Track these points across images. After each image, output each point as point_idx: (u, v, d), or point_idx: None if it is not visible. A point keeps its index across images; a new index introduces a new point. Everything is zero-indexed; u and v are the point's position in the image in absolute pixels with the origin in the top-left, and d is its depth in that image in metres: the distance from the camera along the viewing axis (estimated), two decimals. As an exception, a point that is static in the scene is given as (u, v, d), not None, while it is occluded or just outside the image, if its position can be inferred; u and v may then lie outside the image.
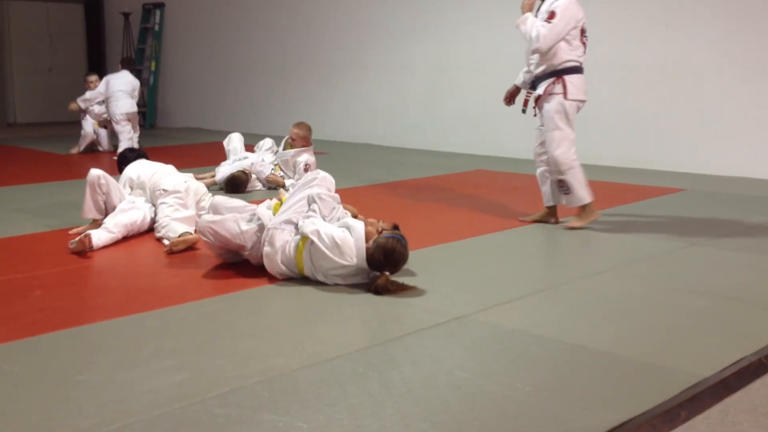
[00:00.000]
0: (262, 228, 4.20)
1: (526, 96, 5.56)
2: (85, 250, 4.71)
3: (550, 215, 5.71)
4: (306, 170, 6.85)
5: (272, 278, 4.16)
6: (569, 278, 4.30)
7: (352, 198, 5.62)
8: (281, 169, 7.20)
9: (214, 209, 4.55)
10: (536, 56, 5.38)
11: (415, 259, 4.16)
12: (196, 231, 4.90)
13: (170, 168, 5.60)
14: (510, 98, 5.78)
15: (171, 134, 12.44)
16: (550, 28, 5.16)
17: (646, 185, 7.37)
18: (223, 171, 7.21)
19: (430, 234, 5.17)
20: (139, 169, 5.52)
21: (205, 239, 4.30)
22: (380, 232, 4.01)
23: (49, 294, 3.96)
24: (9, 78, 13.81)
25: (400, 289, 3.91)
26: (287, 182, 6.94)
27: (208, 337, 3.35)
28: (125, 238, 5.07)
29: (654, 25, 8.24)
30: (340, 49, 11.20)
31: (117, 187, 5.23)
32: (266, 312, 3.79)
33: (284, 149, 7.24)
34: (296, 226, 4.16)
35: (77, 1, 14.43)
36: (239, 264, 4.40)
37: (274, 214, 4.29)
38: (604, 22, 8.63)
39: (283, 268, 4.10)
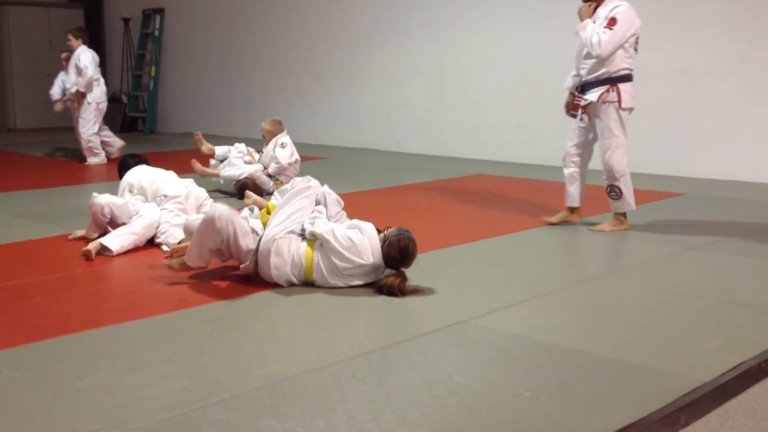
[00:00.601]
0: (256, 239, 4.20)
1: (576, 100, 5.59)
2: (89, 259, 4.74)
3: (573, 215, 5.80)
4: (283, 147, 7.04)
5: (273, 285, 4.16)
6: (568, 283, 4.31)
7: (351, 203, 5.62)
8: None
9: None
10: (590, 61, 5.40)
11: (414, 263, 4.17)
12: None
13: (170, 174, 5.61)
14: (570, 108, 5.75)
15: (171, 139, 12.45)
16: (612, 34, 5.21)
17: (645, 189, 7.37)
18: (231, 172, 7.16)
19: (429, 238, 5.17)
20: (139, 174, 5.53)
21: (218, 224, 4.05)
22: (384, 230, 4.14)
23: (50, 300, 3.96)
24: (9, 83, 13.82)
25: (412, 291, 4.00)
26: (272, 165, 7.07)
27: (209, 343, 3.35)
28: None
29: (653, 30, 8.24)
30: (339, 54, 11.22)
31: (123, 208, 5.17)
32: (267, 317, 3.80)
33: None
34: (300, 234, 4.17)
35: (77, 7, 14.44)
36: (240, 270, 4.39)
37: (263, 222, 4.29)
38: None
39: (292, 277, 4.12)
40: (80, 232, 5.22)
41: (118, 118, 14.00)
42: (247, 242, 4.14)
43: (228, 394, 2.79)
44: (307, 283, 4.15)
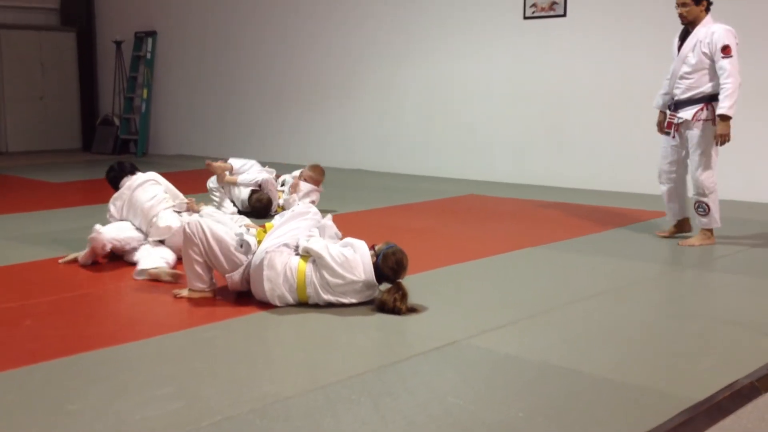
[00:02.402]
0: (245, 249, 4.22)
1: (669, 119, 5.78)
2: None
3: (681, 229, 5.95)
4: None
5: (265, 305, 4.15)
6: (562, 303, 4.31)
7: (344, 223, 5.61)
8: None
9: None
10: (686, 81, 5.63)
11: (407, 284, 4.17)
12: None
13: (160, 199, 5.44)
14: (663, 127, 5.94)
15: (163, 161, 12.44)
16: (732, 61, 5.46)
17: (638, 209, 7.40)
18: (247, 177, 7.18)
19: (422, 259, 5.17)
20: (136, 198, 5.36)
21: (188, 230, 4.15)
22: (372, 248, 4.19)
23: (42, 323, 3.94)
24: (0, 106, 13.81)
25: (411, 310, 4.05)
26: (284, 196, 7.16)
27: (201, 365, 3.34)
28: (117, 266, 5.06)
29: (647, 52, 8.31)
30: (332, 75, 11.26)
31: (127, 239, 5.16)
32: (260, 339, 3.79)
33: (289, 187, 7.28)
34: (295, 248, 4.21)
35: (69, 30, 14.48)
36: (232, 291, 4.38)
37: (258, 241, 4.30)
38: (599, 49, 8.72)
39: (284, 291, 4.11)
40: (72, 256, 5.18)
41: (110, 140, 14.02)
42: (223, 248, 4.16)
43: (221, 417, 2.77)
44: (301, 304, 4.14)
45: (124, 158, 9.69)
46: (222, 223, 4.45)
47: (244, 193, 7.18)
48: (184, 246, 4.24)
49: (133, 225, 5.29)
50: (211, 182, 7.33)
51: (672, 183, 5.89)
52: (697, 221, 5.80)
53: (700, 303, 4.42)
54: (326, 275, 4.06)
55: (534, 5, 9.09)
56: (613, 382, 3.14)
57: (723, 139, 5.52)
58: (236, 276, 4.20)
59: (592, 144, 8.82)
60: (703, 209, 5.70)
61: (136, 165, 5.78)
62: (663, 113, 5.93)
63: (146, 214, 5.23)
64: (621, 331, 3.85)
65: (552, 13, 8.97)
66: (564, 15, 8.89)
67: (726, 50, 5.45)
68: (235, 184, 7.21)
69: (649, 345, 3.65)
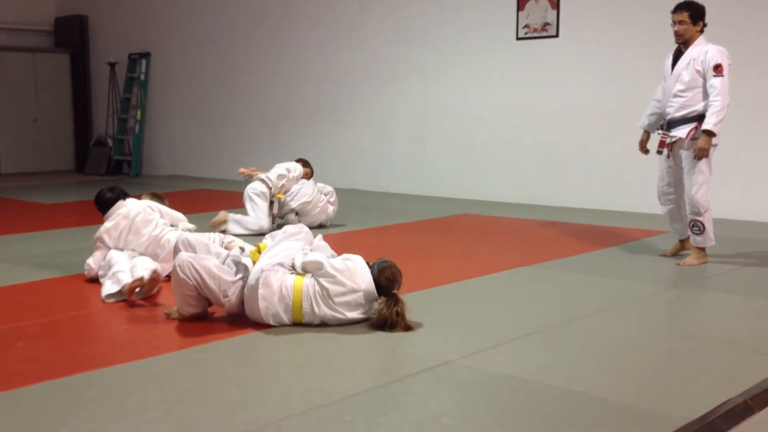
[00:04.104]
0: (243, 274, 4.21)
1: (662, 137, 5.82)
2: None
3: (684, 247, 5.98)
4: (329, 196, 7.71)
5: (258, 325, 4.14)
6: (556, 322, 4.30)
7: (339, 243, 5.61)
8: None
9: (185, 246, 4.39)
10: (678, 100, 5.67)
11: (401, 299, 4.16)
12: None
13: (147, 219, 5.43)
14: (644, 146, 6.08)
15: (156, 182, 12.44)
16: (723, 80, 5.50)
17: (632, 228, 7.42)
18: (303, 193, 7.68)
19: (416, 278, 5.17)
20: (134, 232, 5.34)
21: (182, 275, 4.11)
22: (367, 263, 4.25)
23: (33, 345, 3.92)
24: (-6, 128, 13.82)
25: (408, 327, 4.08)
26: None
27: (194, 387, 3.32)
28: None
29: (640, 71, 8.36)
30: (325, 96, 11.30)
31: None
32: (253, 360, 3.77)
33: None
34: (290, 267, 4.21)
35: (63, 52, 14.52)
36: (229, 313, 4.37)
37: (253, 261, 4.30)
38: (592, 69, 8.78)
39: (279, 310, 4.10)
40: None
41: (103, 161, 14.03)
42: (222, 285, 4.14)
43: (213, 439, 2.76)
44: (295, 324, 4.13)
45: (116, 181, 9.62)
46: (205, 244, 4.44)
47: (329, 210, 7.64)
48: (176, 284, 4.18)
49: (133, 251, 5.25)
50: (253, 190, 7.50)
51: (672, 204, 5.92)
52: (692, 240, 5.81)
53: (694, 322, 4.42)
54: (326, 284, 4.07)
55: (527, 26, 9.15)
56: (608, 401, 3.14)
57: (702, 153, 5.54)
58: (234, 299, 4.19)
59: (586, 163, 8.86)
60: (698, 228, 5.72)
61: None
62: (647, 133, 6.03)
63: (156, 239, 5.31)
64: (615, 350, 3.85)
65: (545, 33, 9.03)
66: (557, 36, 8.96)
67: (718, 69, 5.51)
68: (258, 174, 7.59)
69: (643, 364, 3.64)
